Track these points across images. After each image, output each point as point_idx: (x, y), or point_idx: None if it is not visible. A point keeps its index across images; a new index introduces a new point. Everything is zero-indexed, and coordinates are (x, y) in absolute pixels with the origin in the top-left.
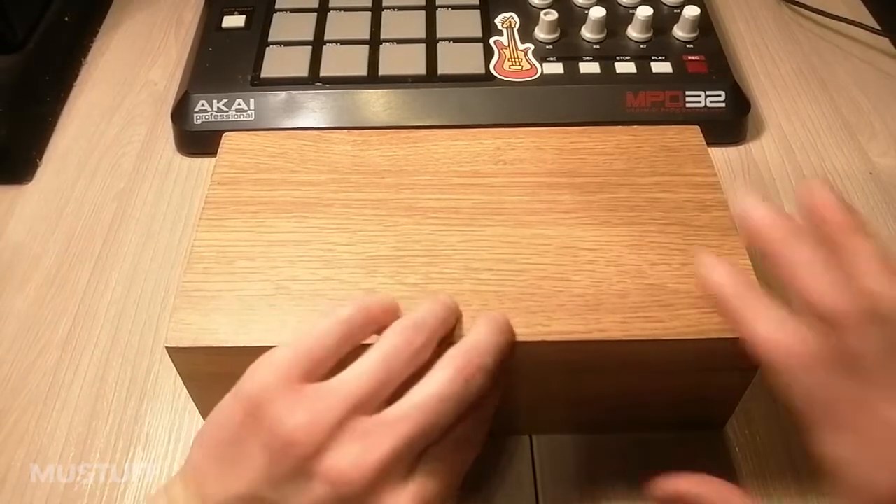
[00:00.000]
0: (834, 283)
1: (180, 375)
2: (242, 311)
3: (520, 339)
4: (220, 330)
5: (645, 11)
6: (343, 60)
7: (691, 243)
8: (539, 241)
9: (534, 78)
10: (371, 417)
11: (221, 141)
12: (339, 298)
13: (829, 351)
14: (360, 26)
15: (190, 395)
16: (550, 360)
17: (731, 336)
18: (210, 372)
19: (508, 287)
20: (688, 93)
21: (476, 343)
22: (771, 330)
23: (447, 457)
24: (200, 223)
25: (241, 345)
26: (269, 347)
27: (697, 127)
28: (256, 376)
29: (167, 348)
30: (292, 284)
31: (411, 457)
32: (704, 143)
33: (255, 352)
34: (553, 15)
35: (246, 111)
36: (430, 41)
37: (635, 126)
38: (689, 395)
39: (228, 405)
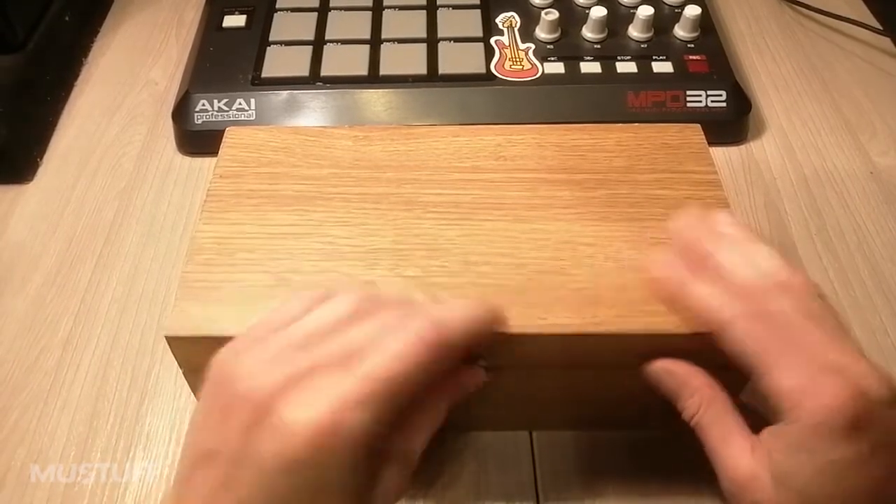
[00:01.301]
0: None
1: (180, 366)
2: (243, 302)
3: (518, 331)
4: (221, 320)
5: (646, 11)
6: (344, 60)
7: None
8: (538, 235)
9: (535, 78)
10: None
11: (224, 135)
12: None
13: (757, 311)
14: (360, 26)
15: (190, 388)
16: (549, 354)
17: None
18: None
19: (507, 281)
20: (689, 92)
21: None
22: (715, 298)
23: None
24: (202, 215)
25: None
26: None
27: (698, 125)
28: (222, 351)
29: (167, 337)
30: (293, 276)
31: (322, 357)
32: (705, 141)
33: None
34: (554, 14)
35: (247, 111)
36: (431, 41)
37: (636, 124)
38: None
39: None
